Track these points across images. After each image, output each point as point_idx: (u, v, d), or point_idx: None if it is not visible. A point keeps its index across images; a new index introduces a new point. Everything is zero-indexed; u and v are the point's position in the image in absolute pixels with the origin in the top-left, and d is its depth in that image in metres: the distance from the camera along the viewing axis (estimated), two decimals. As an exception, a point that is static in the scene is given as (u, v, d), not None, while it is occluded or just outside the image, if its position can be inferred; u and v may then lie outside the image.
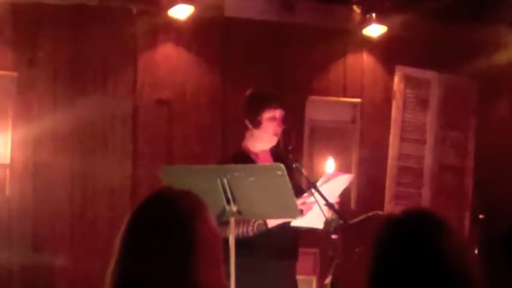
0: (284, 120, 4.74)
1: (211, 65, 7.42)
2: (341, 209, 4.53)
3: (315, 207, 4.40)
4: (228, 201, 4.17)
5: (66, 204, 6.91)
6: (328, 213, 4.40)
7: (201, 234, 2.20)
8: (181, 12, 7.02)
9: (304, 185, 4.77)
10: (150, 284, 2.15)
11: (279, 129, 4.71)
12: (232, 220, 4.19)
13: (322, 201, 4.37)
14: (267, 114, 4.69)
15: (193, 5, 6.98)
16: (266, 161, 4.74)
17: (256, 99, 4.77)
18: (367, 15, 7.58)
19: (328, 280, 4.59)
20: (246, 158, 4.72)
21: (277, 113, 4.71)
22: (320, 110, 7.81)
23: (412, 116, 8.05)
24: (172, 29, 7.21)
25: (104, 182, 6.98)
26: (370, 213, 5.55)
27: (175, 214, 2.21)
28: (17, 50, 6.84)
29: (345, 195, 4.93)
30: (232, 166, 4.30)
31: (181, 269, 2.15)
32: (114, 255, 2.21)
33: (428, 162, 8.05)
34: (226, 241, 4.20)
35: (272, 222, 4.52)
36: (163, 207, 2.24)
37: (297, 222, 4.53)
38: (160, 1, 7.01)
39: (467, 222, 8.04)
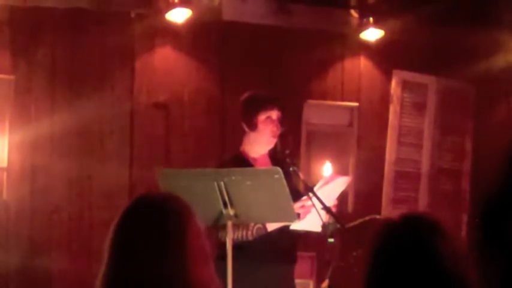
0: (281, 122, 4.74)
1: (209, 69, 7.42)
2: (338, 213, 4.53)
3: (313, 210, 4.40)
4: (225, 205, 4.16)
5: (63, 207, 6.91)
6: (326, 217, 4.41)
7: (191, 234, 2.23)
8: (178, 16, 7.02)
9: (301, 188, 4.77)
10: (143, 285, 2.16)
11: (276, 130, 4.70)
12: (229, 224, 4.19)
13: (319, 205, 4.37)
14: (262, 116, 4.68)
15: (191, 9, 6.98)
16: (264, 165, 4.74)
17: (251, 102, 4.76)
18: (365, 19, 7.60)
19: (325, 284, 4.59)
20: (243, 161, 4.72)
21: (273, 114, 4.70)
22: (317, 113, 7.81)
23: (410, 120, 8.06)
24: (170, 32, 7.21)
25: (101, 185, 6.98)
26: (367, 217, 5.56)
27: (165, 215, 2.25)
28: (15, 53, 6.84)
29: (342, 199, 4.93)
30: (229, 169, 4.30)
31: (174, 268, 2.18)
32: (104, 259, 2.23)
33: (425, 166, 8.06)
34: (225, 244, 4.20)
35: (271, 226, 4.52)
36: (153, 209, 2.27)
37: (294, 226, 4.53)
38: (158, 5, 7.02)
39: (464, 226, 8.04)
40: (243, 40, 7.53)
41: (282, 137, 4.81)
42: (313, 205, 4.38)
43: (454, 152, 8.24)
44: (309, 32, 7.66)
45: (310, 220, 4.46)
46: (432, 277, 2.09)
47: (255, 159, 4.77)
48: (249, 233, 4.53)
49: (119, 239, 2.24)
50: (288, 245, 4.73)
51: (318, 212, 4.35)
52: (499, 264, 2.02)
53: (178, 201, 2.32)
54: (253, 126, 4.69)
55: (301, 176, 4.64)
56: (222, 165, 4.69)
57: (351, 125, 7.96)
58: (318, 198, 4.36)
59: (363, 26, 7.63)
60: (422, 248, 2.13)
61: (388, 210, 7.83)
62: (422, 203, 8.00)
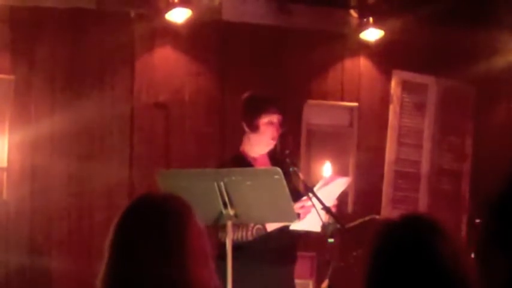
0: (281, 124, 4.74)
1: (209, 69, 7.42)
2: (338, 213, 4.53)
3: (313, 211, 4.40)
4: (225, 205, 4.16)
5: (63, 207, 6.91)
6: (326, 217, 4.40)
7: (192, 234, 2.24)
8: (178, 16, 7.02)
9: (301, 188, 4.77)
10: (143, 285, 2.16)
11: (276, 134, 4.71)
12: (229, 224, 4.19)
13: (319, 205, 4.37)
14: (264, 119, 4.68)
15: (191, 9, 6.98)
16: (264, 164, 4.74)
17: (253, 103, 4.76)
18: (365, 20, 7.59)
19: (325, 284, 4.59)
20: (243, 161, 4.72)
21: (275, 117, 4.70)
22: (317, 114, 7.81)
23: (409, 120, 8.06)
24: (170, 32, 7.21)
25: (101, 185, 6.98)
26: (367, 217, 5.56)
27: (166, 215, 2.25)
28: (15, 53, 6.84)
29: (342, 199, 4.93)
30: (229, 170, 4.30)
31: (174, 268, 2.18)
32: (104, 259, 2.23)
33: (425, 166, 8.06)
34: (224, 245, 4.20)
35: (271, 226, 4.52)
36: (154, 209, 2.27)
37: (294, 226, 4.54)
38: (157, 5, 7.02)
39: (464, 227, 8.04)
40: (243, 40, 7.53)
41: (281, 137, 4.81)
42: (313, 205, 4.38)
43: (454, 152, 8.24)
44: (309, 32, 7.66)
45: (310, 220, 4.46)
46: (432, 277, 2.09)
47: (254, 159, 4.77)
48: (249, 233, 4.53)
49: (119, 239, 2.24)
50: (287, 245, 4.73)
51: (318, 212, 4.35)
52: (501, 263, 2.02)
53: (179, 201, 2.32)
54: (254, 128, 4.69)
55: (301, 176, 4.65)
56: (222, 165, 4.69)
57: (350, 125, 7.96)
58: (317, 198, 4.36)
59: (362, 26, 7.63)
60: (422, 248, 2.13)
61: (387, 211, 7.83)
62: (422, 204, 8.00)
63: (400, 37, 7.76)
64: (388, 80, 8.00)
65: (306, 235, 4.71)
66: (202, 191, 4.10)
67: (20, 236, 6.78)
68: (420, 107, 8.10)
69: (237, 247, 4.29)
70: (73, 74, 7.00)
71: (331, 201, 4.50)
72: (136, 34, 7.16)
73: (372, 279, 2.16)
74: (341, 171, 6.72)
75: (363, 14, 7.61)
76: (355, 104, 7.92)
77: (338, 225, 4.37)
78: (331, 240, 4.33)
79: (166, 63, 7.30)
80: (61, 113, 6.91)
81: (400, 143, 8.02)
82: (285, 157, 4.65)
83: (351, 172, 7.74)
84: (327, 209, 4.37)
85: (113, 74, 7.12)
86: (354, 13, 7.69)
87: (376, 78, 8.00)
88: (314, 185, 4.49)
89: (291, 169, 4.57)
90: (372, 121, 7.97)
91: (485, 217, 2.12)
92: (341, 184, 4.65)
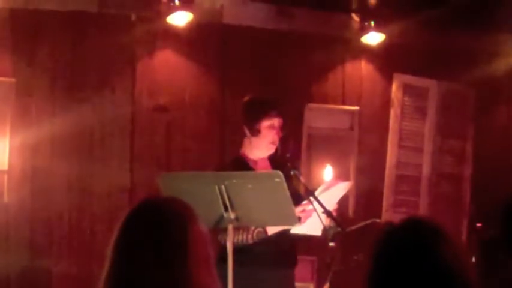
0: (282, 127, 4.74)
1: (209, 72, 7.42)
2: (339, 217, 4.53)
3: (314, 214, 4.40)
4: (226, 208, 4.17)
5: (64, 209, 6.90)
6: (326, 221, 4.41)
7: (194, 236, 2.24)
8: (180, 19, 7.02)
9: (302, 192, 4.77)
10: (145, 287, 2.17)
11: (277, 138, 4.71)
12: (230, 227, 4.19)
13: (320, 209, 4.37)
14: (265, 123, 4.68)
15: (192, 12, 6.98)
16: (264, 168, 4.75)
17: (255, 107, 4.76)
18: (366, 23, 7.58)
19: (325, 287, 4.60)
20: (244, 164, 4.72)
21: (276, 121, 4.71)
22: (318, 117, 7.81)
23: (410, 123, 8.05)
24: (171, 35, 7.21)
25: (102, 187, 6.97)
26: (368, 221, 5.56)
27: (168, 217, 2.26)
28: (16, 55, 6.84)
29: (342, 202, 4.94)
30: (230, 173, 4.30)
31: (176, 271, 2.18)
32: (107, 261, 2.24)
33: (426, 170, 8.06)
34: (224, 247, 4.20)
35: (272, 230, 4.52)
36: (156, 212, 2.28)
37: (295, 230, 4.54)
38: (159, 8, 7.01)
39: (465, 230, 8.03)
40: (243, 43, 7.53)
41: (282, 141, 4.82)
42: (314, 209, 4.38)
43: (455, 155, 8.23)
44: (310, 36, 7.65)
45: (311, 224, 4.47)
46: (433, 281, 2.09)
47: (255, 162, 4.78)
48: (249, 236, 4.53)
49: (122, 242, 2.24)
50: (288, 248, 4.73)
51: (319, 216, 4.35)
52: (507, 263, 2.03)
53: (182, 204, 2.32)
54: (255, 132, 4.70)
55: (302, 179, 4.65)
56: (222, 168, 4.70)
57: (351, 128, 7.95)
58: (318, 201, 4.37)
59: (364, 30, 7.62)
60: (423, 251, 2.13)
61: (388, 214, 7.82)
62: (422, 207, 7.99)
63: (401, 40, 7.76)
64: (389, 83, 8.00)
65: (307, 238, 4.71)
66: (203, 194, 4.10)
67: (21, 238, 6.77)
68: (421, 110, 8.09)
69: (237, 250, 4.29)
70: (74, 77, 7.00)
71: (332, 205, 4.50)
72: (137, 37, 7.15)
73: (373, 283, 2.16)
74: (342, 175, 6.71)
75: (364, 18, 7.60)
76: (356, 107, 7.91)
77: (339, 229, 4.37)
78: (331, 243, 4.34)
79: (167, 66, 7.30)
80: (62, 115, 6.91)
81: (401, 147, 8.02)
82: (285, 160, 4.65)
83: (351, 175, 7.73)
84: (327, 213, 4.37)
85: (113, 76, 7.11)
86: (355, 17, 7.68)
87: (377, 81, 8.00)
88: (315, 189, 4.50)
89: (291, 172, 4.58)
90: (373, 124, 7.96)
91: (494, 219, 2.13)
92: (342, 188, 4.65)
